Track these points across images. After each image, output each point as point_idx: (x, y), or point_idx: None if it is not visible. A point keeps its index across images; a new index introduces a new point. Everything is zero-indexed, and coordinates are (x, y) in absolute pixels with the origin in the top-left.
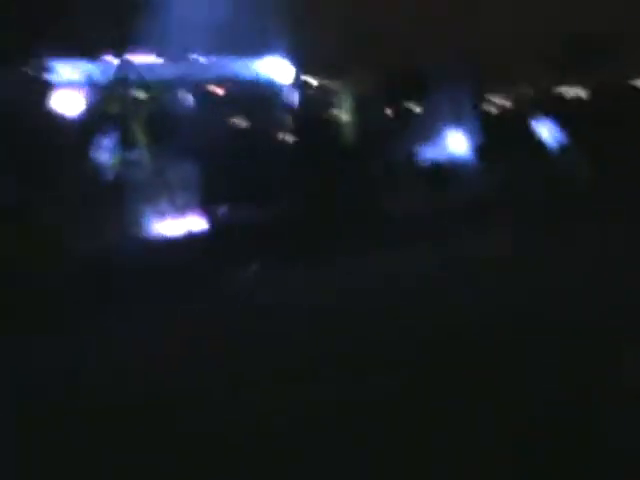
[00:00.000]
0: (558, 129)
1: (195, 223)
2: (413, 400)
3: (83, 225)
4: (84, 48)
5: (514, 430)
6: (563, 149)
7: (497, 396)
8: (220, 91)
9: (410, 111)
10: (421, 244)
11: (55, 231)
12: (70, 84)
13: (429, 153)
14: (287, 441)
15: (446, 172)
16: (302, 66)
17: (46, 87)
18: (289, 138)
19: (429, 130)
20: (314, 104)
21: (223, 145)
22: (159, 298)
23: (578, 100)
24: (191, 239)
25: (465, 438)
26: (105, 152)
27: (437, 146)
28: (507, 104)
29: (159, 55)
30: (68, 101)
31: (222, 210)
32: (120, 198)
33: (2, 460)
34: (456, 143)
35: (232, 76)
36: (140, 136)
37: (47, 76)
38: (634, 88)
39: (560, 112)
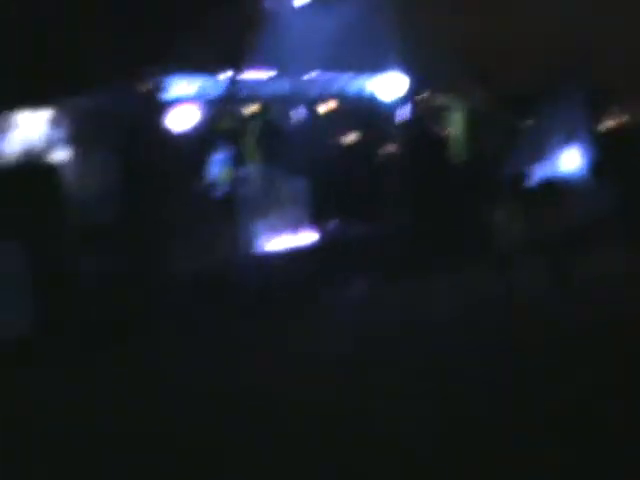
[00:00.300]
0: None
1: (306, 239)
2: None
3: (194, 241)
4: (198, 64)
5: None
6: None
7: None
8: (333, 107)
9: (523, 128)
10: (533, 261)
11: (166, 246)
12: (184, 100)
13: (542, 170)
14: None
15: (559, 190)
16: (415, 82)
17: (159, 103)
18: (401, 154)
19: (542, 147)
20: (426, 120)
21: (334, 161)
22: (270, 313)
23: None
24: (301, 254)
25: None
26: (217, 168)
27: (550, 163)
28: (620, 121)
29: (272, 71)
30: (182, 117)
31: (332, 226)
32: (231, 214)
33: None
34: (570, 161)
35: (345, 92)
36: (251, 152)
37: (162, 92)
38: None
39: None
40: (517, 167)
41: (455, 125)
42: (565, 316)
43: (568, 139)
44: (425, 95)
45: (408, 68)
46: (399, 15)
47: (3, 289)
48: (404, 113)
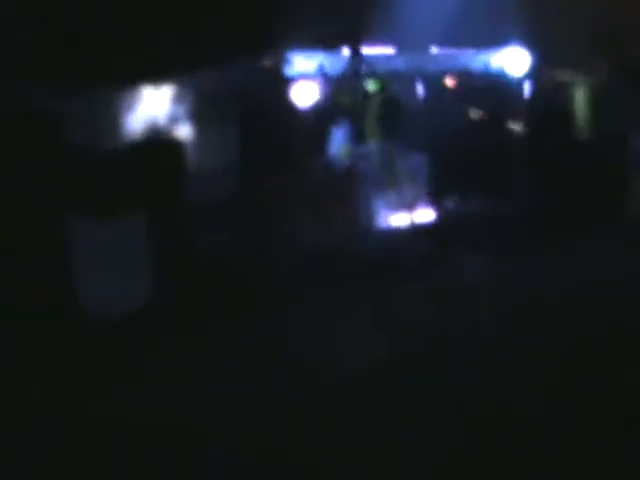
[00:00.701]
0: None
1: (425, 216)
2: None
3: (313, 217)
4: (319, 40)
5: None
6: None
7: None
8: (454, 83)
9: None
10: None
11: (287, 219)
12: (304, 76)
13: None
14: None
15: None
16: (539, 58)
17: (281, 79)
18: (523, 131)
19: None
20: (550, 96)
21: (455, 138)
22: (387, 291)
23: None
24: (421, 232)
25: None
26: (337, 144)
27: None
28: None
29: (393, 47)
30: (301, 93)
31: (452, 203)
32: (350, 191)
33: None
34: None
35: (467, 68)
36: (371, 129)
37: (283, 68)
38: None
39: None
40: None
41: (580, 100)
42: None
43: None
44: (549, 70)
45: (531, 43)
46: None
47: (126, 262)
48: (527, 89)
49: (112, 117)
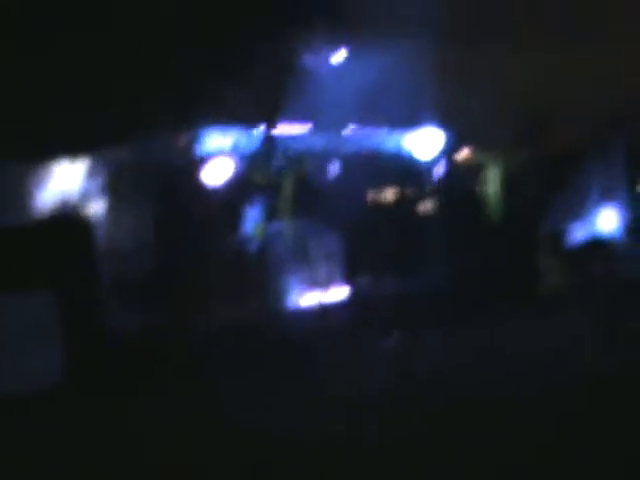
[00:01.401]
0: None
1: (338, 294)
2: None
3: (226, 296)
4: (234, 117)
5: None
6: None
7: None
8: (366, 163)
9: (560, 187)
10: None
11: (200, 298)
12: (219, 152)
13: (578, 230)
14: None
15: (597, 248)
16: (454, 138)
17: (196, 156)
18: (436, 210)
19: (579, 207)
20: (461, 177)
21: (367, 217)
22: (301, 369)
23: None
24: (334, 310)
25: None
26: (251, 222)
27: (587, 223)
28: None
29: (308, 125)
30: (216, 170)
31: (364, 281)
32: (264, 269)
33: None
34: (607, 221)
35: (381, 148)
36: (285, 207)
37: (197, 144)
38: None
39: None
40: (554, 225)
41: (492, 182)
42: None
43: (606, 197)
44: (461, 151)
45: (444, 124)
46: (437, 71)
47: (33, 339)
48: (441, 169)
49: (22, 191)
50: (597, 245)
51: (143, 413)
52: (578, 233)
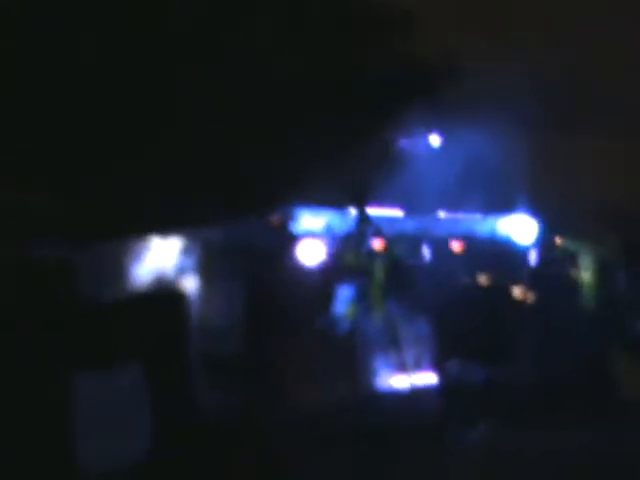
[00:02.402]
0: None
1: (428, 380)
2: None
3: (316, 376)
4: (327, 199)
5: None
6: None
7: None
8: (459, 247)
9: None
10: None
11: (288, 380)
12: (311, 234)
13: None
14: None
15: None
16: (547, 226)
17: (288, 236)
18: (528, 299)
19: None
20: (556, 266)
21: (460, 303)
22: (387, 455)
23: None
24: (422, 396)
25: None
26: (342, 304)
27: None
28: None
29: (400, 209)
30: (308, 251)
31: (454, 368)
32: (353, 352)
33: None
34: None
35: (472, 233)
36: (377, 289)
37: (290, 225)
38: None
39: None
40: None
41: (586, 270)
42: None
43: None
44: (557, 239)
45: (539, 211)
46: (531, 159)
47: (124, 413)
48: (534, 256)
49: (118, 267)
50: None
51: None
52: None
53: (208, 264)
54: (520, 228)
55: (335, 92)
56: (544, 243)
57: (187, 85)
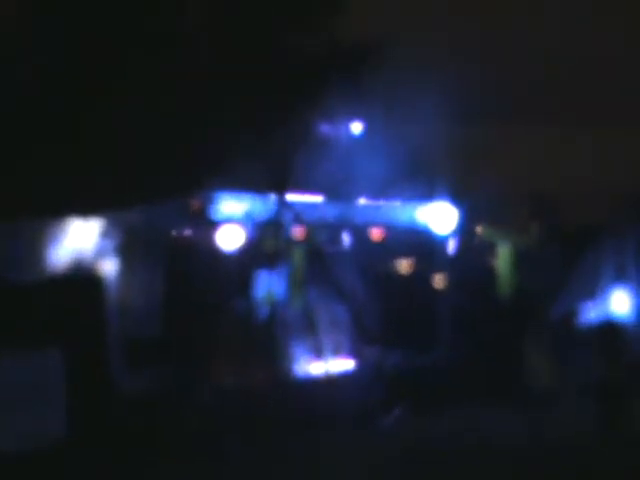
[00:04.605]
0: None
1: (344, 365)
2: None
3: (231, 360)
4: (248, 184)
5: None
6: None
7: None
8: (379, 235)
9: (574, 267)
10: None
11: (206, 362)
12: (232, 219)
13: (591, 312)
14: None
15: (610, 333)
16: (466, 214)
17: (208, 221)
18: (446, 285)
19: (592, 288)
20: (474, 253)
21: (378, 289)
22: (304, 437)
23: None
24: (339, 381)
25: None
26: (260, 290)
27: (600, 305)
28: None
29: (320, 195)
30: (228, 236)
31: (372, 353)
32: (272, 336)
33: None
34: (620, 302)
35: (392, 220)
36: (295, 275)
37: (211, 210)
38: None
39: None
40: (566, 305)
41: (503, 260)
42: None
43: (618, 278)
44: (475, 227)
45: (457, 200)
46: (451, 148)
47: (42, 394)
48: (452, 244)
49: (36, 249)
50: (610, 327)
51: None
52: (590, 314)
53: (127, 247)
54: (440, 216)
55: (256, 75)
56: (464, 231)
57: (111, 68)
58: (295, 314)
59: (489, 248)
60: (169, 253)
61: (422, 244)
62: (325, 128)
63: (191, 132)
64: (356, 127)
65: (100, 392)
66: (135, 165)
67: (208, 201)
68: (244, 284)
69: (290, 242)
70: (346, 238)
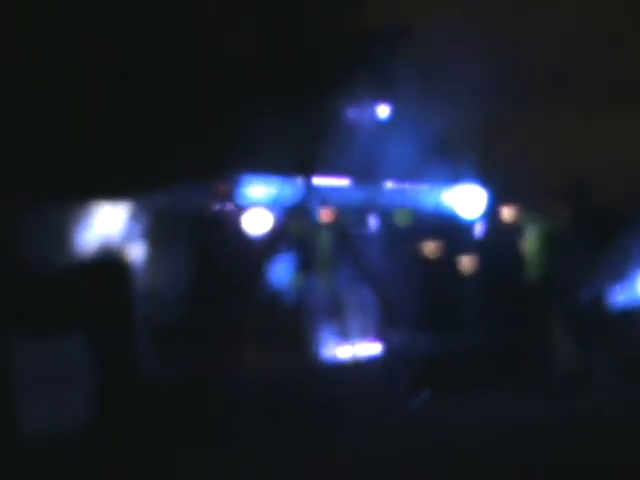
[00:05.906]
0: None
1: (371, 349)
2: None
3: (259, 344)
4: (275, 168)
5: None
6: None
7: None
8: (406, 217)
9: (601, 252)
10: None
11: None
12: (259, 203)
13: (620, 295)
14: None
15: (634, 314)
16: (495, 196)
17: (235, 205)
18: (474, 270)
19: (619, 272)
20: (502, 235)
21: (405, 274)
22: (330, 423)
23: None
24: (366, 364)
25: None
26: (287, 274)
27: (629, 288)
28: None
29: (347, 178)
30: (254, 220)
31: (400, 338)
32: (299, 320)
33: None
34: None
35: (420, 203)
36: (322, 259)
37: (237, 194)
38: None
39: None
40: (596, 288)
41: (532, 241)
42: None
43: None
44: (504, 209)
45: (488, 181)
46: (480, 130)
47: (67, 380)
48: (480, 227)
49: (63, 233)
50: (628, 312)
51: (163, 465)
52: (620, 297)
53: (154, 231)
54: (468, 198)
55: (284, 60)
56: (491, 213)
57: (140, 54)
58: (322, 298)
59: (518, 231)
60: (196, 237)
61: (450, 227)
62: (352, 111)
63: (219, 115)
64: (383, 110)
65: (126, 377)
66: (163, 148)
67: (235, 185)
68: (271, 268)
69: (317, 226)
70: (373, 221)
